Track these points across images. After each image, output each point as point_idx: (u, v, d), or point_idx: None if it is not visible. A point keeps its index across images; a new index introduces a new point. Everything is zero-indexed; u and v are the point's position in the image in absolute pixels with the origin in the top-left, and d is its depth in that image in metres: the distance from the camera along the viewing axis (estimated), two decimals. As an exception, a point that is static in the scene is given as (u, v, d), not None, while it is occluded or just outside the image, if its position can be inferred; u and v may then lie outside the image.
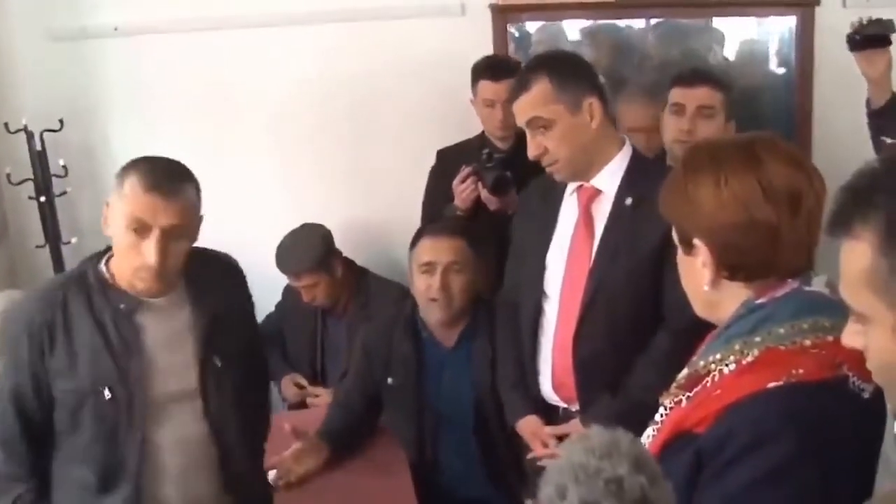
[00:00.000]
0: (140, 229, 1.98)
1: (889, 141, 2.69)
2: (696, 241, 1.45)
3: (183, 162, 2.09)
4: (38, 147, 3.57)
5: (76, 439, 2.08)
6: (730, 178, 1.41)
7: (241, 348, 2.24)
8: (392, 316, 2.95)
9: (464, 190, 3.12)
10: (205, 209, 2.09)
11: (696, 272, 1.47)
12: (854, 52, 2.77)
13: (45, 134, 3.57)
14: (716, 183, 1.41)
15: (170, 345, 2.12)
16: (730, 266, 1.43)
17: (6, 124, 3.54)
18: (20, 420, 2.07)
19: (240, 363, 2.22)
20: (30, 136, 3.54)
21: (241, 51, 3.76)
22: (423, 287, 2.77)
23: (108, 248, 2.14)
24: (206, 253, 2.19)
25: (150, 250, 1.98)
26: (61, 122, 3.59)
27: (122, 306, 2.07)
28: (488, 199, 3.09)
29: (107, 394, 2.04)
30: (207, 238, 2.14)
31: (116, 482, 2.08)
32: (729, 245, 1.42)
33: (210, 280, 2.18)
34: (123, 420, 2.06)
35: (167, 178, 2.00)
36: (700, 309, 1.53)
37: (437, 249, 2.77)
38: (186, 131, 3.70)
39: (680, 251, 1.52)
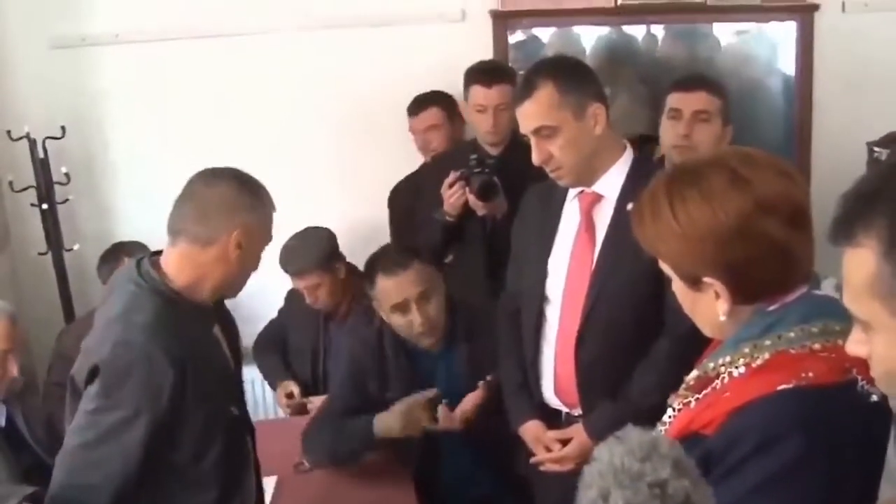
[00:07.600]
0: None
1: (877, 150, 2.68)
2: (707, 279, 1.41)
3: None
4: (41, 154, 3.58)
5: (200, 465, 2.01)
6: (727, 209, 1.36)
7: None
8: (374, 332, 2.89)
9: (452, 195, 3.12)
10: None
11: (706, 305, 1.44)
12: None
13: (48, 141, 3.57)
14: (713, 217, 1.37)
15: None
16: (748, 294, 1.41)
17: (8, 132, 3.55)
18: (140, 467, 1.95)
19: None
20: (32, 143, 3.55)
21: (242, 58, 3.77)
22: (405, 324, 2.75)
23: (144, 258, 2.07)
24: None
25: None
26: (63, 129, 3.59)
27: (208, 321, 2.09)
28: (475, 204, 3.10)
29: (234, 410, 2.08)
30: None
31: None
32: (745, 276, 1.39)
33: None
34: (247, 437, 2.13)
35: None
36: (713, 333, 1.50)
37: (401, 286, 2.72)
38: (188, 138, 3.71)
39: (681, 286, 1.48)
